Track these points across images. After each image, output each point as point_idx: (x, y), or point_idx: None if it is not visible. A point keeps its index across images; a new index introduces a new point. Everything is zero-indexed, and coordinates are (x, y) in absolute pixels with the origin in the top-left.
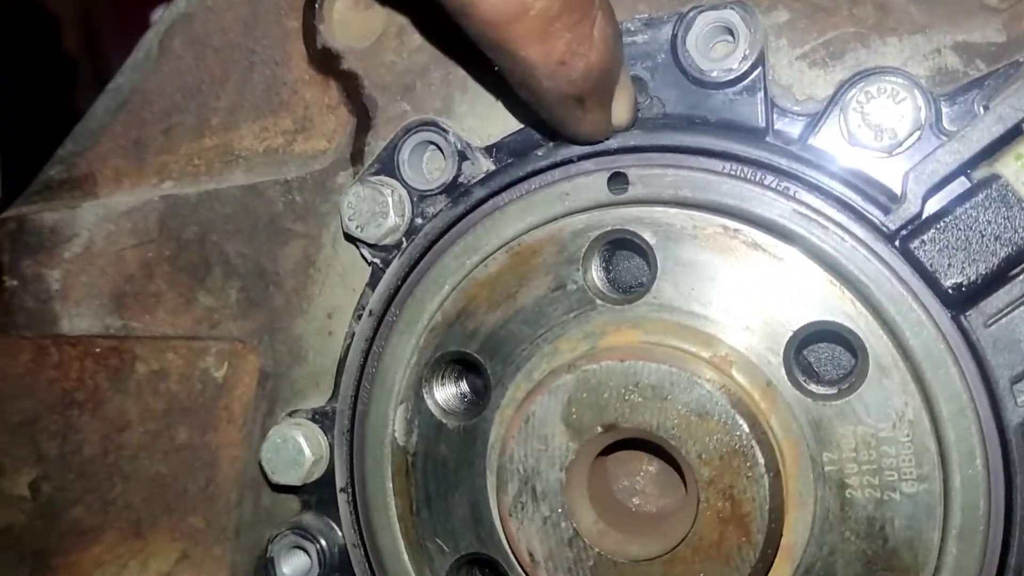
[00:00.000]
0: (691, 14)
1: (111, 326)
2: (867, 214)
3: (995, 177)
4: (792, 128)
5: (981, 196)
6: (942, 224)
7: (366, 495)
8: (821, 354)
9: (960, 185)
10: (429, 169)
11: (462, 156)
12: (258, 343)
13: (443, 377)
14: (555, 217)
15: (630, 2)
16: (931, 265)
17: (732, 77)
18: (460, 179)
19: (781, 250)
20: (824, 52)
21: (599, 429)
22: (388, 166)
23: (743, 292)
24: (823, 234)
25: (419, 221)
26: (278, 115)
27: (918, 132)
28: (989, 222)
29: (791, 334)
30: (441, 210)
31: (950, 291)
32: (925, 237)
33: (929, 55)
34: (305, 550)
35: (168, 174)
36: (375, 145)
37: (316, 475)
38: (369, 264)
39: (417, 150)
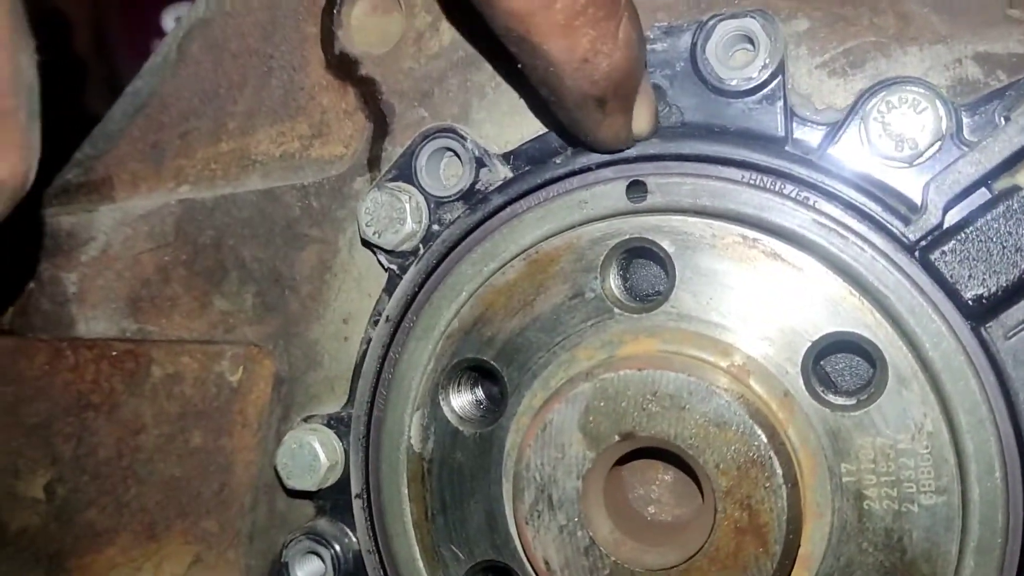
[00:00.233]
0: (711, 22)
1: (127, 329)
2: (887, 224)
3: (1016, 188)
4: (811, 137)
5: (1002, 207)
6: (963, 235)
7: (381, 501)
8: (839, 364)
9: (981, 196)
10: (446, 175)
11: (480, 163)
12: (273, 348)
13: (459, 384)
14: (573, 225)
15: (649, 10)
16: (951, 276)
17: (752, 86)
18: (477, 186)
19: (800, 260)
20: (844, 61)
21: (616, 438)
22: (405, 172)
23: (761, 302)
24: (842, 244)
25: (436, 227)
26: (295, 120)
27: (939, 142)
28: (1010, 233)
29: (809, 344)
30: (458, 217)
31: (970, 303)
32: (946, 248)
33: (950, 65)
34: (319, 555)
35: (185, 178)
36: (392, 151)
37: (331, 481)
38: (386, 270)
39: (435, 156)
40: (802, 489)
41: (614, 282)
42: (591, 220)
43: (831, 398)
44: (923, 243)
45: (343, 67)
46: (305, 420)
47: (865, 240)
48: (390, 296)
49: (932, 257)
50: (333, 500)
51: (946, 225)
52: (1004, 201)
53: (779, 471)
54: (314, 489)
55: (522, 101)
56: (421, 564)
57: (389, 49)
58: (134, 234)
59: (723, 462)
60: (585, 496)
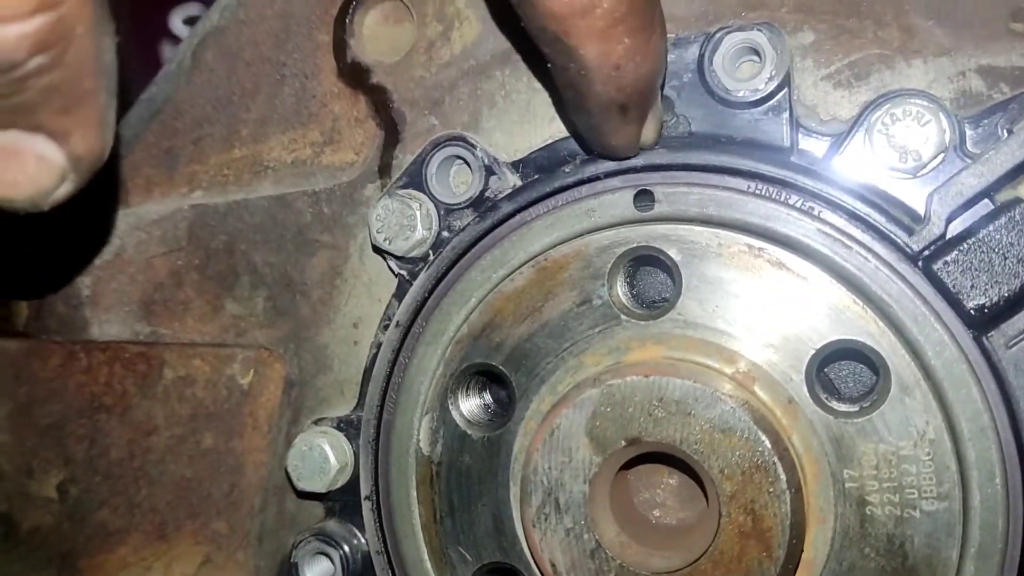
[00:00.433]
0: (718, 34)
1: (140, 332)
2: (891, 234)
3: (1018, 200)
4: (817, 148)
5: (1004, 219)
6: (965, 246)
7: (390, 503)
8: (843, 372)
9: (984, 207)
10: (456, 183)
11: (489, 171)
12: (284, 351)
13: (468, 388)
14: (581, 233)
15: None
16: (954, 286)
17: (758, 97)
18: (487, 193)
19: (805, 269)
20: (849, 73)
21: (623, 443)
22: (416, 179)
23: (767, 310)
24: (847, 254)
25: (446, 234)
26: (307, 127)
27: (942, 154)
28: (1012, 244)
29: (813, 352)
30: (468, 224)
31: (972, 312)
32: (948, 258)
33: (954, 78)
34: (329, 556)
35: (198, 184)
36: (403, 158)
37: (341, 483)
38: (396, 276)
39: (445, 164)
40: (805, 494)
41: (621, 289)
42: (599, 228)
43: (835, 405)
44: (926, 253)
45: (355, 75)
46: (315, 423)
47: (869, 250)
48: (400, 301)
49: (935, 267)
50: (342, 502)
51: (949, 236)
52: (1006, 212)
53: (783, 476)
54: (324, 491)
55: (531, 110)
56: (429, 566)
57: (400, 58)
58: (147, 238)
59: (728, 467)
60: (591, 500)
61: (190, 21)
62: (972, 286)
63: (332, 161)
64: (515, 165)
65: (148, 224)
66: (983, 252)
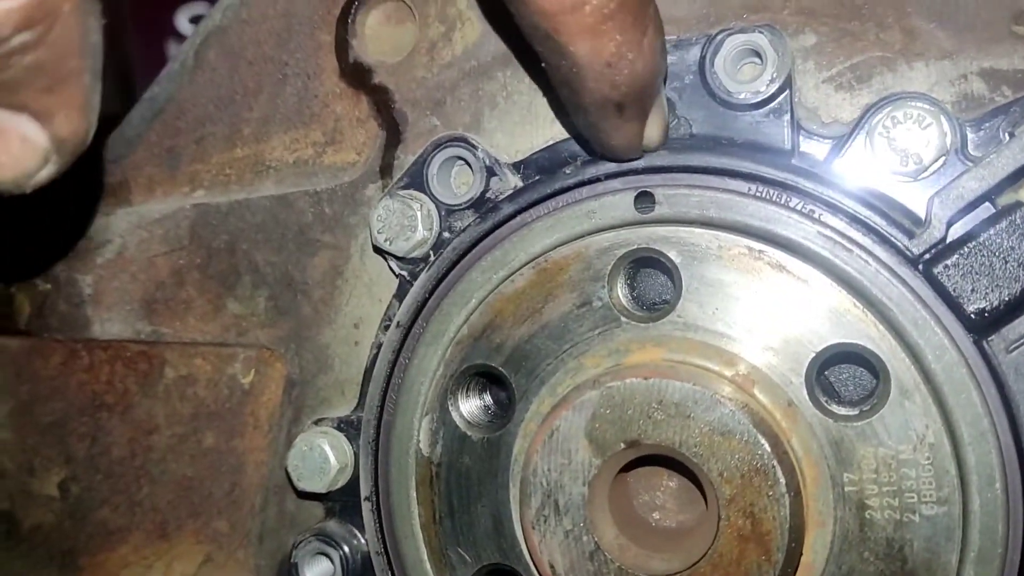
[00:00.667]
0: (719, 36)
1: (141, 331)
2: (891, 238)
3: (1019, 204)
4: (818, 150)
5: (1005, 223)
6: (966, 249)
7: (390, 504)
8: (843, 375)
9: (985, 211)
10: (457, 184)
11: (490, 172)
12: (285, 351)
13: (468, 389)
14: (582, 234)
15: None
16: (954, 290)
17: (759, 99)
18: (488, 194)
19: (805, 272)
20: (851, 76)
21: (622, 445)
22: (417, 180)
23: (766, 313)
24: (847, 257)
25: (447, 235)
26: (309, 127)
27: (943, 157)
28: (1013, 248)
29: (813, 355)
30: (469, 225)
31: (973, 316)
32: (949, 262)
33: (955, 81)
34: (328, 556)
35: (200, 183)
36: (404, 159)
37: (341, 483)
38: (396, 276)
39: (446, 165)
40: (805, 498)
41: (621, 291)
42: (599, 230)
43: (834, 408)
44: (927, 256)
45: (357, 75)
46: (316, 423)
47: (869, 253)
48: (400, 302)
49: (935, 270)
50: (342, 502)
51: (950, 239)
52: (1007, 216)
53: (782, 480)
54: (324, 491)
55: (533, 111)
56: (428, 566)
57: (402, 58)
58: (149, 237)
59: (727, 470)
60: (591, 502)
61: (196, 20)
62: (973, 290)
63: (334, 161)
64: (516, 166)
65: (150, 223)
66: (984, 256)
